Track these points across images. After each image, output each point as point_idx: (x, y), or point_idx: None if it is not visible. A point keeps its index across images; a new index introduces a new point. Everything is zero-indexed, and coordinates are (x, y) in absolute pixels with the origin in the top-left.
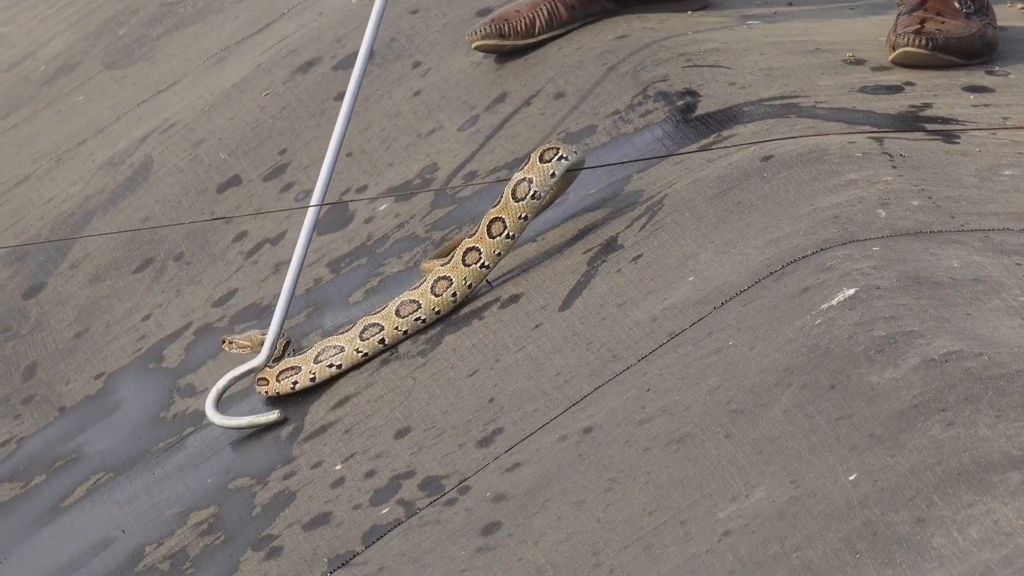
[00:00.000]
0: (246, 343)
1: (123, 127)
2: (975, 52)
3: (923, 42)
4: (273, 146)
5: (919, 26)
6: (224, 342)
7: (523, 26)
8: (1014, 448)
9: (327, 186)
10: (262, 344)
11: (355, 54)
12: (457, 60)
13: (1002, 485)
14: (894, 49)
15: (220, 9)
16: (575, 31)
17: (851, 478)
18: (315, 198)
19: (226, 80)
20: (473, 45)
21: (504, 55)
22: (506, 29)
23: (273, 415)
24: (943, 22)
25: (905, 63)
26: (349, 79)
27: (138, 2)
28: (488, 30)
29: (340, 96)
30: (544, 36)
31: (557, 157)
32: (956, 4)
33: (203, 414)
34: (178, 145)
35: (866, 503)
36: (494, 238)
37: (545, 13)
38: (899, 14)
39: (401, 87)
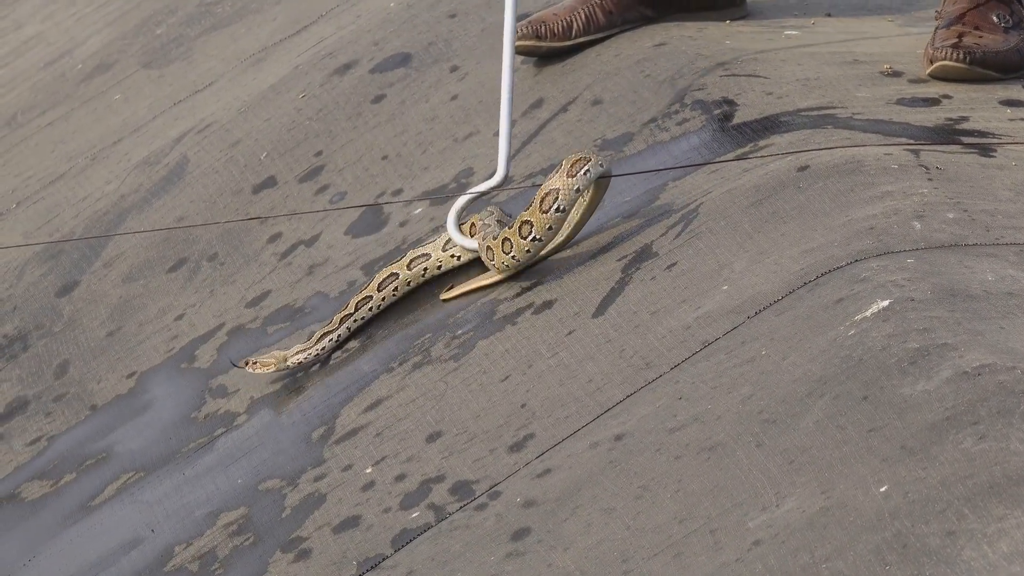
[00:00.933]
0: (270, 360)
1: (159, 127)
2: (1012, 66)
3: (961, 56)
4: (309, 148)
5: (957, 40)
6: (246, 364)
7: (560, 28)
8: None
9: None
10: (285, 359)
11: (392, 57)
12: (495, 65)
13: None
14: (931, 62)
15: (258, 10)
16: (613, 38)
17: (882, 490)
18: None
19: (263, 81)
20: None
21: (541, 58)
22: (543, 31)
23: None
24: (981, 36)
25: (942, 76)
26: (390, 80)
27: (176, 2)
28: (525, 31)
29: (377, 99)
30: (581, 39)
31: (584, 171)
32: (994, 18)
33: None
34: (214, 146)
35: (897, 515)
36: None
37: (583, 17)
38: (937, 27)
39: (438, 91)
